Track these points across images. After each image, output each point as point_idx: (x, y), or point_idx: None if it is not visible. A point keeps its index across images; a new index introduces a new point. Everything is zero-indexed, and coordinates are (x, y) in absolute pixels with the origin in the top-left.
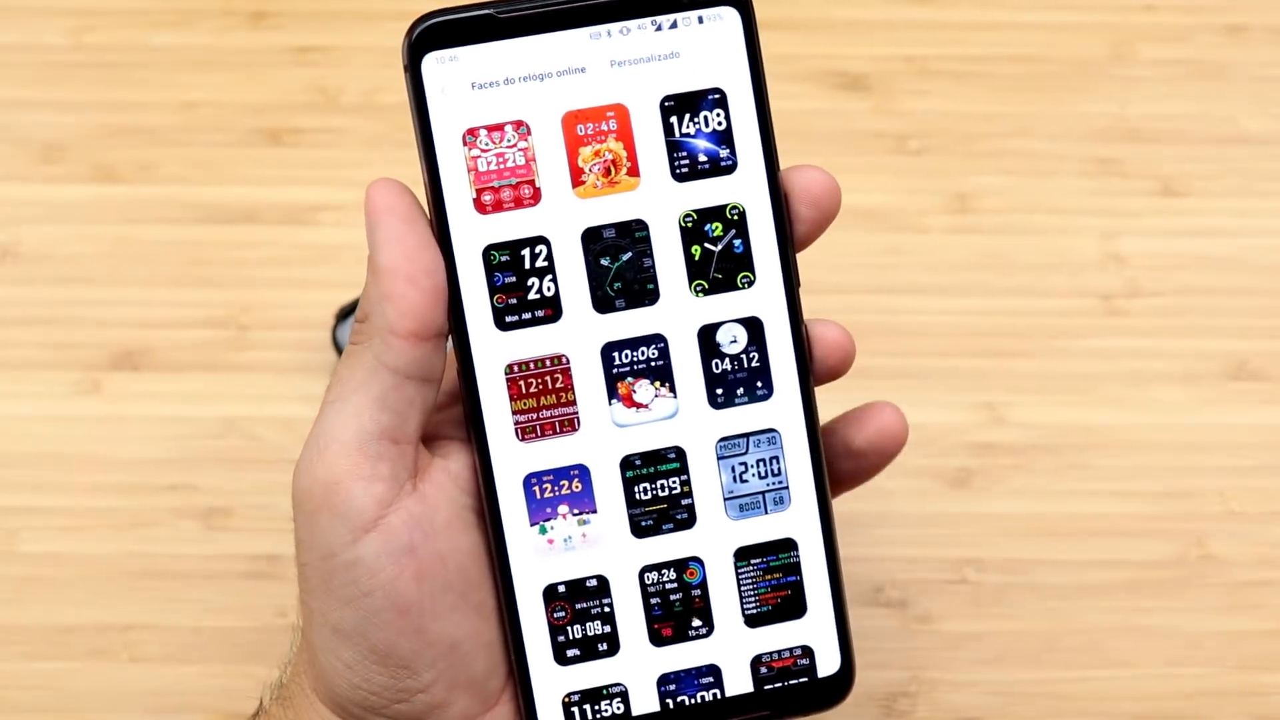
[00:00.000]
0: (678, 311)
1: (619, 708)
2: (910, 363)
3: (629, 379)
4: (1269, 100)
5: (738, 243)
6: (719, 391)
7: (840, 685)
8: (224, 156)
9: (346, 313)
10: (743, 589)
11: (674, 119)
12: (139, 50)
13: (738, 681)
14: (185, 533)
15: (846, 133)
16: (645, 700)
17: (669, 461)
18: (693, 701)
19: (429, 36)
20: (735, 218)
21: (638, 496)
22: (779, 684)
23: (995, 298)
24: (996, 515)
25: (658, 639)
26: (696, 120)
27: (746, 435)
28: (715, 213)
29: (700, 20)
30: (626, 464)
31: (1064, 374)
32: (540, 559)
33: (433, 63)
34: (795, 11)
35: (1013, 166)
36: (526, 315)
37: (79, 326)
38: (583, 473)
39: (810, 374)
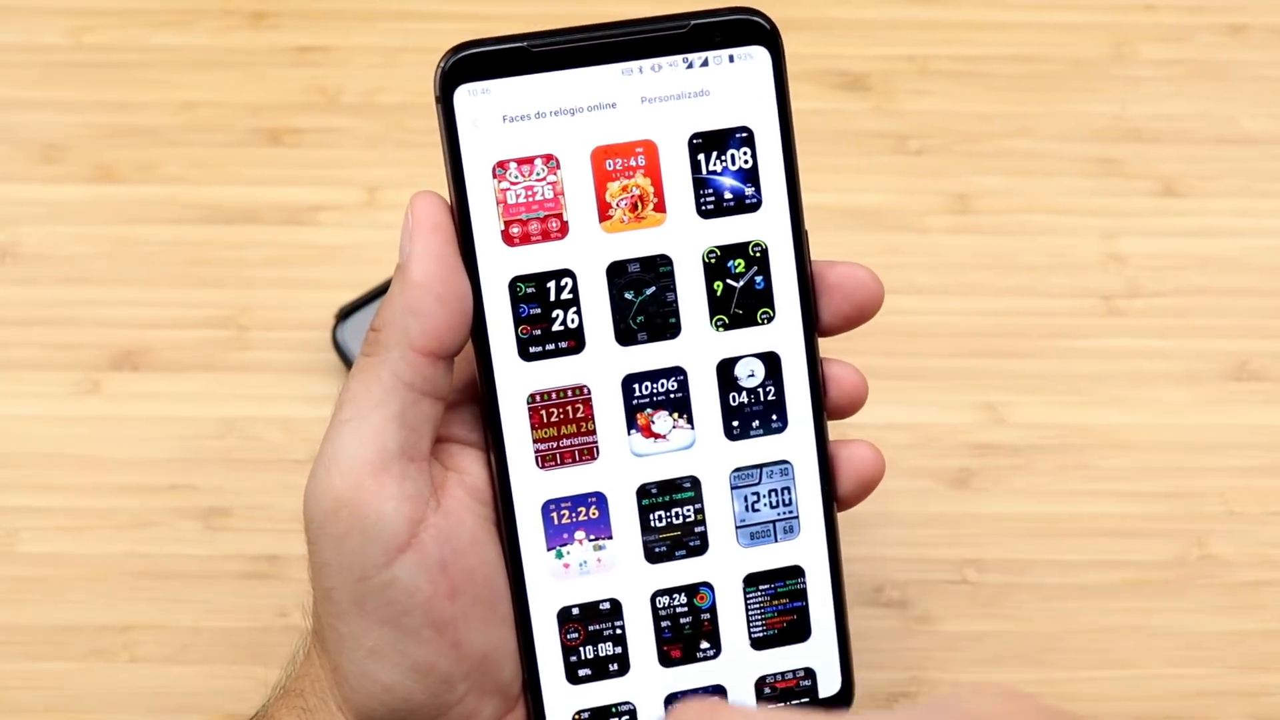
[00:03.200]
0: (698, 345)
1: None
2: (910, 363)
3: (648, 410)
4: (1269, 100)
5: (759, 279)
6: (735, 423)
7: (840, 704)
8: (224, 156)
9: (347, 313)
10: (750, 613)
11: (701, 156)
12: (139, 50)
13: (742, 701)
14: (185, 533)
15: (846, 133)
16: (652, 718)
17: (684, 490)
18: None
19: (462, 68)
20: (758, 255)
21: (652, 524)
22: (781, 704)
23: (995, 298)
24: (996, 515)
25: (667, 660)
26: (723, 158)
27: (760, 466)
28: (738, 249)
29: (731, 59)
30: (643, 492)
31: (1064, 374)
32: (556, 582)
33: (465, 95)
34: (795, 11)
35: (1013, 166)
36: (550, 346)
37: (79, 326)
38: (600, 500)
39: (824, 407)
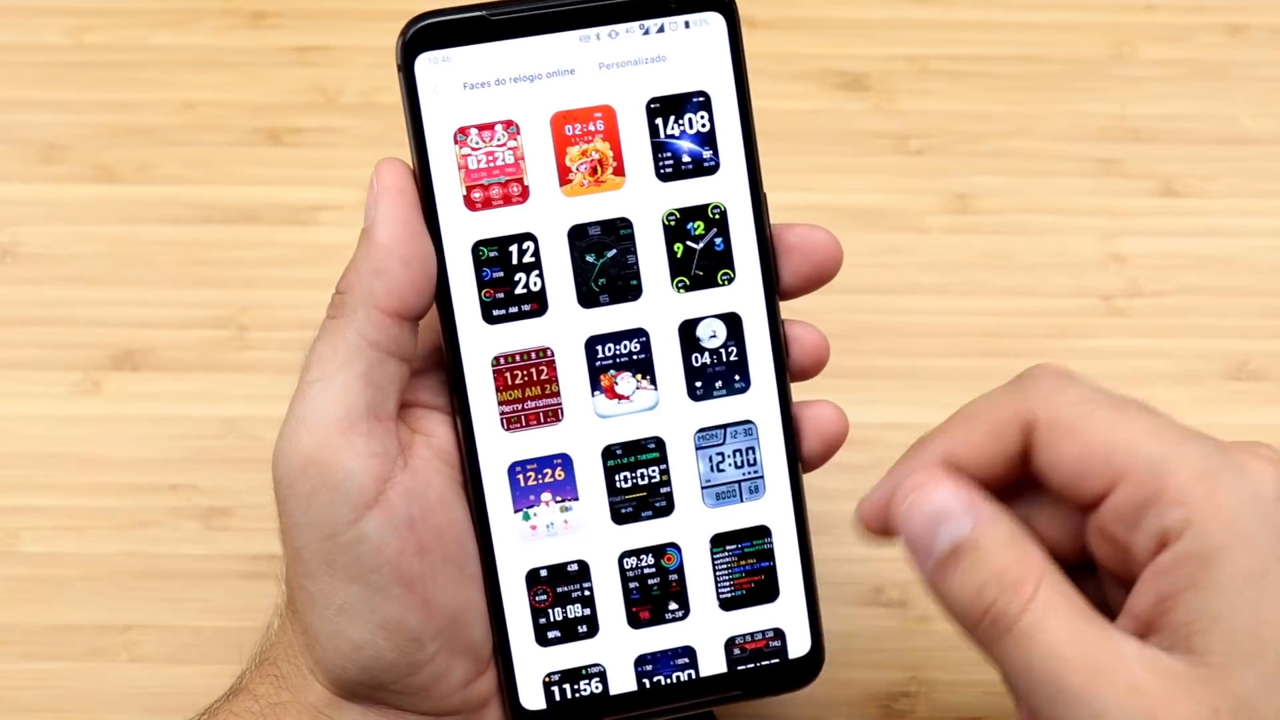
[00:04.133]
0: (660, 307)
1: (597, 687)
2: (910, 363)
3: (611, 371)
4: (1269, 100)
5: (718, 241)
6: (698, 384)
7: (810, 666)
8: (224, 156)
9: None
10: (718, 574)
11: (659, 120)
12: (139, 50)
13: (712, 662)
14: (185, 533)
15: (846, 133)
16: (623, 680)
17: (649, 451)
18: (668, 681)
19: (422, 37)
20: (717, 217)
21: (618, 485)
22: (751, 665)
23: (995, 298)
24: None
25: (636, 621)
26: (681, 122)
27: (724, 426)
28: (697, 212)
29: (687, 25)
30: (608, 453)
31: None
32: (523, 544)
33: (425, 63)
34: (795, 11)
35: (1013, 166)
36: (513, 309)
37: (79, 326)
38: (565, 461)
39: (786, 367)
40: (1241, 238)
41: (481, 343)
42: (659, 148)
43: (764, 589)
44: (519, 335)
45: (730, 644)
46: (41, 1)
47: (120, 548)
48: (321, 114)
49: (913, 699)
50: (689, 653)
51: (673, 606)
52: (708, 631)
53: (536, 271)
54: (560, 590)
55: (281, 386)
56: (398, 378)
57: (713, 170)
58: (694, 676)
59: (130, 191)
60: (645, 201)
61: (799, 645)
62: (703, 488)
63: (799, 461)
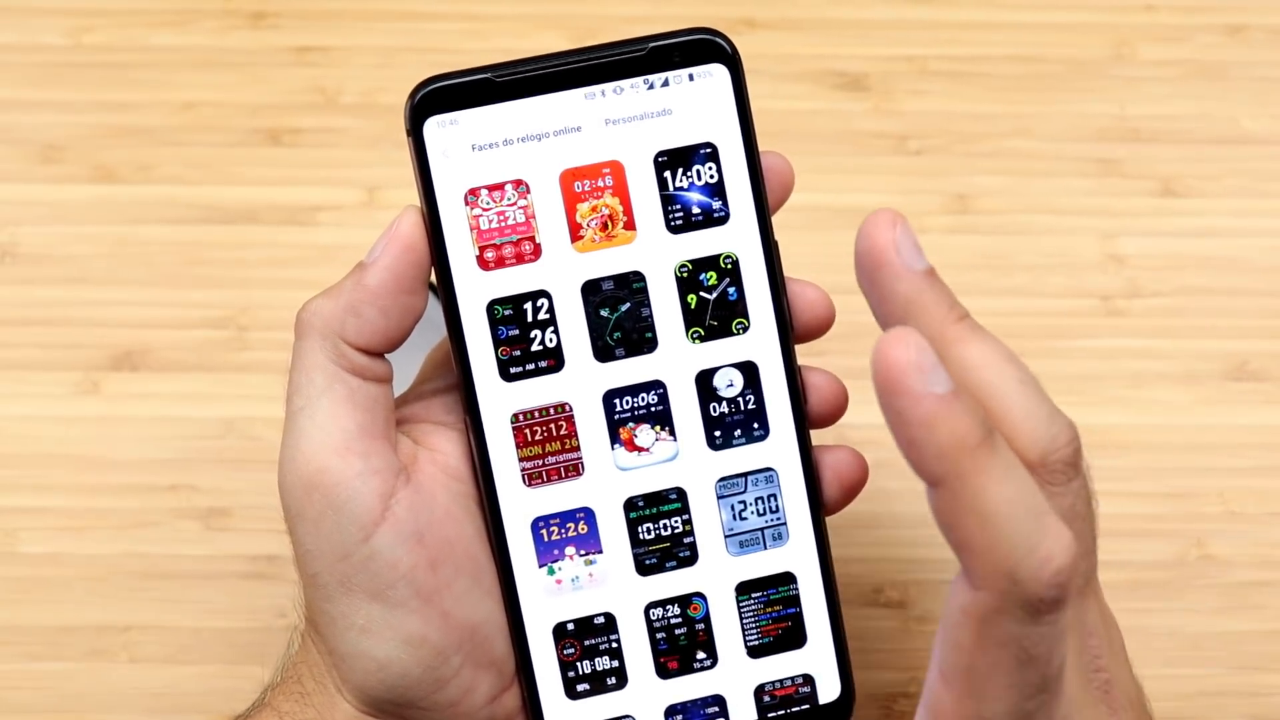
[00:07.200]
0: (675, 358)
1: None
2: None
3: (630, 424)
4: (1269, 100)
5: (731, 290)
6: (717, 434)
7: (841, 711)
8: (224, 156)
9: None
10: (745, 622)
11: (667, 173)
12: (139, 50)
13: (742, 710)
14: (185, 533)
15: (846, 133)
16: None
17: (670, 502)
18: None
19: (430, 101)
20: (729, 266)
21: (641, 536)
22: (782, 711)
23: (995, 298)
24: None
25: (664, 671)
26: (689, 174)
27: (745, 475)
28: (709, 262)
29: (691, 78)
30: (630, 505)
31: (1064, 374)
32: (549, 598)
33: (434, 127)
34: (795, 11)
35: (1013, 166)
36: (530, 366)
37: (79, 326)
38: (588, 515)
39: (805, 413)
40: (1241, 238)
41: (500, 400)
42: (668, 200)
43: (791, 635)
44: (537, 392)
45: (760, 691)
46: (41, 1)
47: (120, 548)
48: (321, 114)
49: (913, 700)
50: (719, 701)
51: (700, 656)
52: (737, 680)
53: (552, 328)
54: (588, 643)
55: (281, 387)
56: (379, 397)
57: (723, 220)
58: None
59: (130, 192)
60: (657, 254)
61: (829, 690)
62: (726, 536)
63: (821, 506)
